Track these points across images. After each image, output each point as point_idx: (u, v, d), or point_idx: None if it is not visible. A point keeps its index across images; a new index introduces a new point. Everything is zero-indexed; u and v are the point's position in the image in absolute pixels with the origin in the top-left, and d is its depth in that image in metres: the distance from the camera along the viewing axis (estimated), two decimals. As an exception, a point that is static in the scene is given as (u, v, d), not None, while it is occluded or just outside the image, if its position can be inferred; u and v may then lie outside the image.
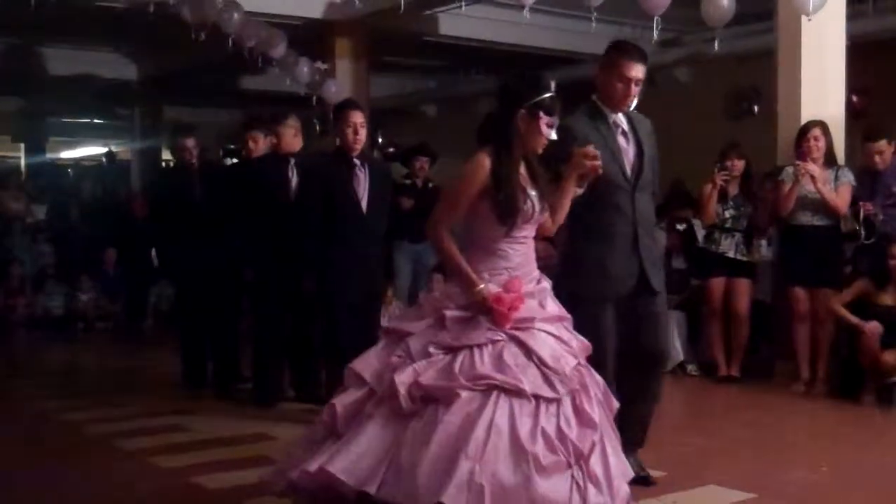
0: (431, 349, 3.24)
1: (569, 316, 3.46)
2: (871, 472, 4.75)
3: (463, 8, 9.10)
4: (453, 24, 10.77)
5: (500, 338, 3.25)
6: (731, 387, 6.94)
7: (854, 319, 6.27)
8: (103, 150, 17.89)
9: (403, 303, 7.77)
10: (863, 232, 6.54)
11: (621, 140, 4.15)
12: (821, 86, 6.94)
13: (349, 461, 3.10)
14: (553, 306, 3.44)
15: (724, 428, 5.77)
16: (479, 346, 3.22)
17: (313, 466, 3.15)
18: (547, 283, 3.49)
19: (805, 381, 6.65)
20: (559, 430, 3.15)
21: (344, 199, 5.55)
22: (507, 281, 3.35)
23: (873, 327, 6.13)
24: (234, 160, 10.64)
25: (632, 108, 4.22)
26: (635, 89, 4.08)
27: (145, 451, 5.08)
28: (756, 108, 11.12)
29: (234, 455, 4.92)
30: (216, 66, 11.90)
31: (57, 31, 11.41)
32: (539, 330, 3.30)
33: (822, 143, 6.57)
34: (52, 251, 12.05)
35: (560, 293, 3.52)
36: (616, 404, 3.50)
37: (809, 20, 6.63)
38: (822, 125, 6.62)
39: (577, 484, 3.11)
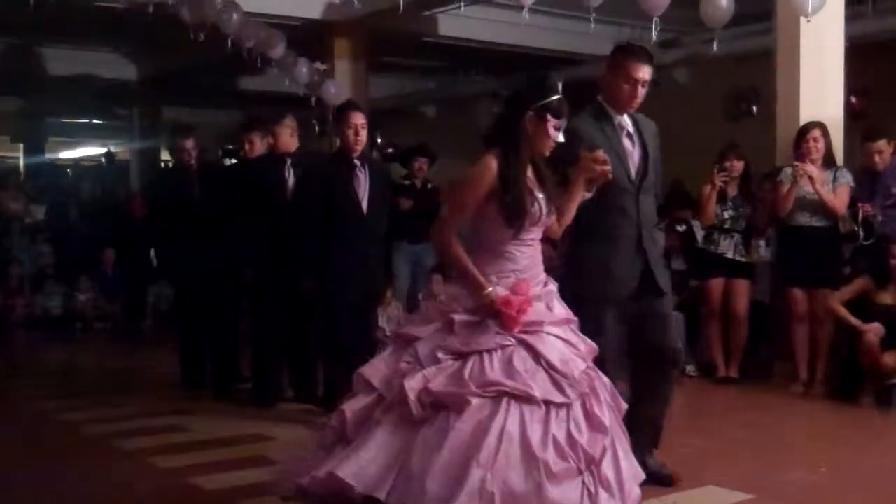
0: (440, 354, 3.22)
1: (575, 318, 3.46)
2: (869, 473, 4.75)
3: (462, 8, 9.08)
4: (452, 25, 10.76)
5: (509, 342, 3.23)
6: (730, 388, 6.94)
7: (854, 321, 6.26)
8: (102, 150, 17.90)
9: (402, 304, 7.77)
10: (861, 233, 6.54)
11: (626, 142, 4.16)
12: (820, 87, 6.95)
13: (358, 466, 3.10)
14: (560, 309, 3.43)
15: (722, 429, 5.77)
16: (489, 351, 3.21)
17: (322, 471, 3.16)
18: (553, 286, 3.47)
19: (803, 381, 6.65)
20: (569, 435, 3.15)
21: (344, 199, 5.57)
22: (515, 283, 3.33)
23: (876, 329, 6.12)
24: (233, 161, 10.63)
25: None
26: (642, 91, 4.08)
27: (144, 452, 5.08)
28: (755, 109, 11.09)
29: (232, 455, 4.93)
30: (215, 66, 11.88)
31: (56, 32, 11.39)
32: (548, 333, 3.29)
33: (821, 145, 6.57)
34: (50, 251, 12.04)
35: (564, 294, 3.52)
36: (624, 406, 3.49)
37: (808, 21, 6.64)
38: (822, 126, 6.62)
39: (588, 490, 3.11)
